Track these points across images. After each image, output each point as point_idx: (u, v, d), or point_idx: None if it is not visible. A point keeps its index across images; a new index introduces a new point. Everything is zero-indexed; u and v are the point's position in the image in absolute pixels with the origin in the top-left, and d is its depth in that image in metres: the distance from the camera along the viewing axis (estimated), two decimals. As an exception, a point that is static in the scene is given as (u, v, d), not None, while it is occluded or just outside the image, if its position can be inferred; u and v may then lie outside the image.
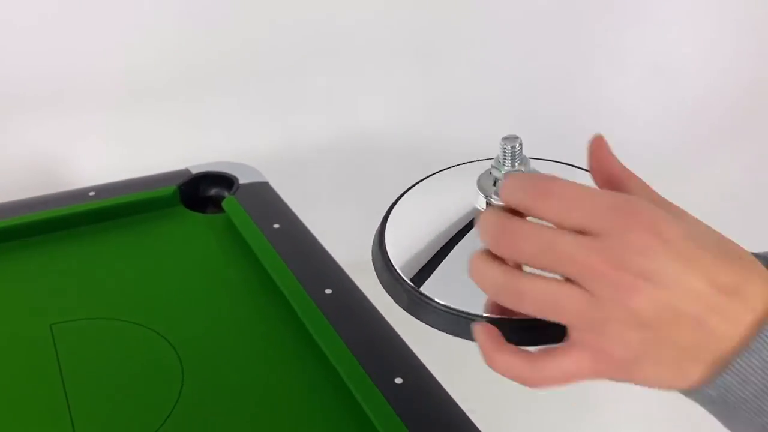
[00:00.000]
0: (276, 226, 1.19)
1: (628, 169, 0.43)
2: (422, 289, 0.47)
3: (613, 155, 0.43)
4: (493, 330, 0.42)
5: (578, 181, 0.53)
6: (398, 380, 0.88)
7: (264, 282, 1.09)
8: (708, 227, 0.40)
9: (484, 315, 0.45)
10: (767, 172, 2.65)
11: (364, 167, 2.36)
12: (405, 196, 0.56)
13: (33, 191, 1.32)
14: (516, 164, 0.50)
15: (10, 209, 1.22)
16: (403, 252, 0.51)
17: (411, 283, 0.48)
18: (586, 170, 0.57)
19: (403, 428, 0.81)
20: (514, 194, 0.40)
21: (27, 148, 2.00)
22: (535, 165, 0.52)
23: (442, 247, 0.49)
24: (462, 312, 0.45)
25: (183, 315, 1.03)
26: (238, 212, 1.23)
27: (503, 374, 0.42)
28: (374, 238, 0.53)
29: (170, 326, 1.00)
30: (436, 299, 0.47)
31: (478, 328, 0.43)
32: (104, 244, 1.20)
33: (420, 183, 0.57)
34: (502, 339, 0.42)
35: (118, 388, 0.91)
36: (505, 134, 0.48)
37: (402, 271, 0.49)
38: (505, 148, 0.49)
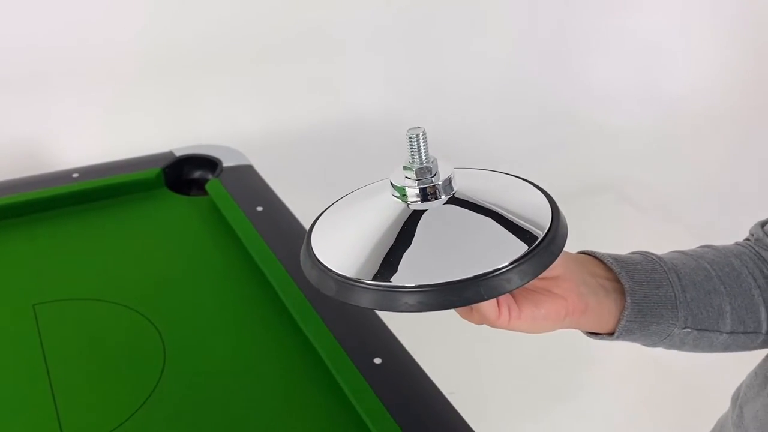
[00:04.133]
0: (259, 208, 1.20)
1: None
2: (349, 274, 0.52)
3: None
4: None
5: (498, 183, 0.59)
6: (377, 360, 0.89)
7: (246, 264, 1.10)
8: None
9: (408, 286, 0.49)
10: (745, 161, 2.67)
11: (348, 152, 2.36)
12: (330, 207, 0.62)
13: (16, 173, 1.32)
14: (422, 154, 0.54)
15: (-6, 190, 1.23)
16: (327, 248, 0.55)
17: (338, 271, 0.52)
18: (506, 173, 0.60)
19: (381, 407, 0.83)
20: None
21: (10, 129, 1.99)
22: (457, 174, 0.57)
23: (361, 237, 0.54)
24: (389, 286, 0.50)
25: (166, 296, 1.04)
26: (222, 195, 1.23)
27: None
28: (303, 243, 0.57)
29: (153, 307, 1.01)
30: (364, 280, 0.51)
31: None
32: (88, 225, 1.20)
33: (342, 198, 0.62)
34: None
35: (100, 368, 0.92)
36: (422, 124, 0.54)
37: (328, 263, 0.53)
38: (410, 137, 0.53)
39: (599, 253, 0.62)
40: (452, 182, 0.55)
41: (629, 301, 0.59)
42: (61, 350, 0.94)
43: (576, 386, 1.90)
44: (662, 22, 2.82)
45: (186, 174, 1.35)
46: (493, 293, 0.49)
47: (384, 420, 0.81)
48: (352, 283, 0.51)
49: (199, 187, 1.33)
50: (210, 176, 1.32)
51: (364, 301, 0.50)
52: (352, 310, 0.99)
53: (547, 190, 0.57)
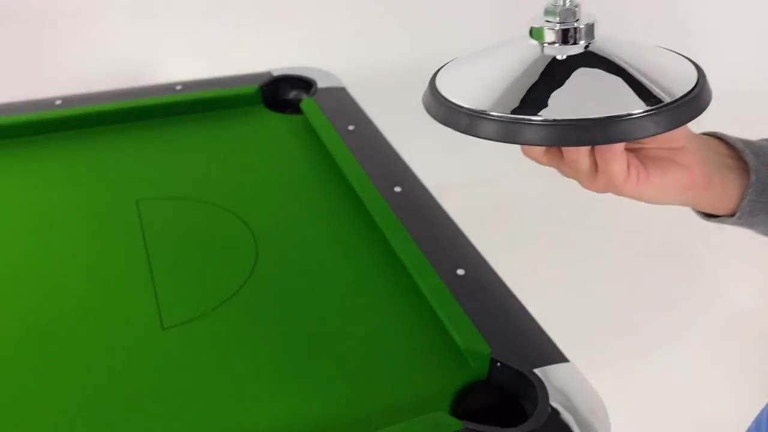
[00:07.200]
0: (351, 127, 1.22)
1: None
2: (477, 108, 0.51)
3: None
4: None
5: (643, 43, 0.57)
6: (460, 272, 0.91)
7: (337, 178, 1.12)
8: None
9: (534, 118, 0.49)
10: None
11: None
12: (455, 59, 0.61)
13: (127, 84, 1.39)
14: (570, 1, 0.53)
15: (107, 97, 1.30)
16: (454, 88, 0.55)
17: (467, 106, 0.51)
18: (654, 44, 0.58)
19: (463, 315, 0.84)
20: None
21: (120, 50, 2.09)
22: (599, 29, 0.55)
23: (490, 77, 0.54)
24: (517, 119, 0.49)
25: (260, 202, 1.08)
26: (315, 113, 1.26)
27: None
28: (427, 88, 0.57)
29: (247, 210, 1.05)
30: (492, 112, 0.50)
31: None
32: (189, 133, 1.25)
33: (467, 53, 0.61)
34: None
35: (196, 259, 0.97)
36: None
37: (456, 100, 0.53)
38: None
39: (722, 133, 0.60)
40: (594, 30, 0.53)
41: (753, 178, 0.57)
42: (160, 241, 0.99)
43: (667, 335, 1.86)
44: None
45: (282, 94, 1.38)
46: (625, 136, 0.47)
47: (465, 327, 0.82)
48: (483, 115, 0.50)
49: (293, 109, 1.36)
50: (305, 96, 1.34)
51: (491, 132, 0.49)
52: (436, 224, 1.00)
53: (695, 61, 0.55)
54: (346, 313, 0.88)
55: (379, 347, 0.83)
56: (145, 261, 0.95)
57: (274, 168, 1.17)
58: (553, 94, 0.50)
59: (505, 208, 2.34)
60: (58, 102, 1.27)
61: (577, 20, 0.52)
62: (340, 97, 1.33)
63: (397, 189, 1.06)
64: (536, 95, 0.50)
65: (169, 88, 1.32)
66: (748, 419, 0.73)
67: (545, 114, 0.48)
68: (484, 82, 0.53)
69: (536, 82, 0.51)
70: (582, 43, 0.53)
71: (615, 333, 1.86)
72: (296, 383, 0.78)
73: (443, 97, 0.53)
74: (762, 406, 0.71)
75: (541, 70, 0.51)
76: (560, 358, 0.79)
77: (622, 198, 0.57)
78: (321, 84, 1.36)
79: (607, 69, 0.51)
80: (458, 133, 0.55)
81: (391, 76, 2.31)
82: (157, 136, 1.24)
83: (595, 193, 0.58)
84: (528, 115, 0.48)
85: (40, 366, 0.80)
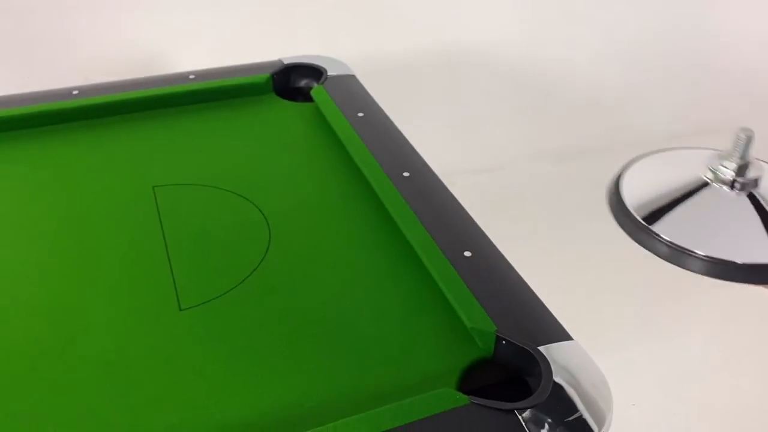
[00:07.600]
0: (360, 114, 1.24)
1: None
2: (654, 228, 0.61)
3: None
4: None
5: None
6: (467, 254, 0.93)
7: (347, 164, 1.15)
8: None
9: (699, 252, 0.57)
10: None
11: (454, 79, 2.36)
12: (636, 162, 0.72)
13: (138, 74, 1.41)
14: (745, 152, 0.64)
15: (122, 87, 1.33)
16: (635, 199, 0.67)
17: (661, 234, 0.63)
18: None
19: (469, 295, 0.86)
20: None
21: (135, 41, 2.11)
22: None
23: (671, 198, 0.62)
24: (684, 248, 0.59)
25: (272, 187, 1.11)
26: (326, 100, 1.28)
27: None
28: (610, 192, 0.68)
29: (260, 196, 1.08)
30: (665, 237, 0.61)
31: None
32: (202, 122, 1.28)
33: (648, 155, 0.68)
34: None
35: (211, 244, 1.00)
36: (740, 126, 0.60)
37: (639, 216, 0.65)
38: (739, 137, 0.60)
39: None
40: (759, 182, 0.64)
41: None
42: (176, 226, 1.02)
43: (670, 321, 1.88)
44: None
45: (293, 82, 1.41)
46: None
47: (472, 306, 0.85)
48: (660, 239, 0.61)
49: (304, 97, 1.38)
50: (315, 84, 1.37)
51: (665, 255, 0.59)
52: (444, 207, 1.02)
53: None
54: (356, 294, 0.90)
55: (388, 327, 0.85)
56: (162, 245, 0.98)
57: (286, 154, 1.20)
58: (718, 230, 0.61)
59: (513, 194, 2.36)
60: (74, 92, 1.31)
61: (748, 171, 0.64)
62: (350, 85, 1.35)
63: (406, 174, 1.09)
64: (704, 230, 0.60)
65: (183, 77, 1.35)
66: (753, 403, 0.75)
67: (711, 250, 0.59)
68: (659, 204, 0.64)
69: (705, 217, 0.61)
70: (748, 191, 0.63)
71: (620, 316, 1.88)
72: (307, 362, 0.81)
73: (630, 211, 0.65)
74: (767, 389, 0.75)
75: (713, 208, 0.62)
76: (564, 336, 0.82)
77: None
78: (331, 72, 1.38)
79: (761, 214, 0.61)
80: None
81: (401, 63, 2.32)
82: (171, 125, 1.27)
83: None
84: (695, 248, 0.59)
85: (61, 347, 0.83)
